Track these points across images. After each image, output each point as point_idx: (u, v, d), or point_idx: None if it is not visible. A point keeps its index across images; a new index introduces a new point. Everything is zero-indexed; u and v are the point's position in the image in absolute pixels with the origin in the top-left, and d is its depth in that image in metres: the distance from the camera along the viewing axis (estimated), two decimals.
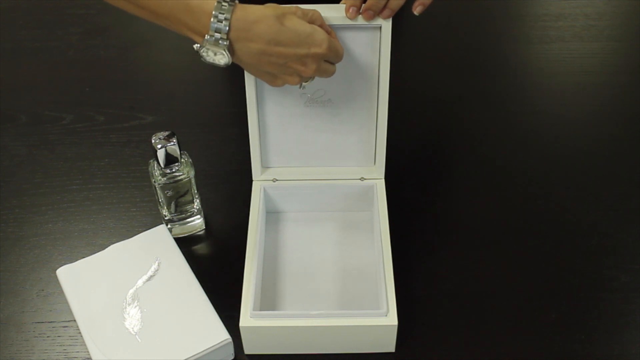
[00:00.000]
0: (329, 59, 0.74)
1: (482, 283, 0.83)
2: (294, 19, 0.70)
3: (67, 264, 0.81)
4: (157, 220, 0.89)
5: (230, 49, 0.69)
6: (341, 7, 0.76)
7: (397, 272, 0.79)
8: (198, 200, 0.88)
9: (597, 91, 1.10)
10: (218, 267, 0.85)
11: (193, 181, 0.85)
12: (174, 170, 0.82)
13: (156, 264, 0.81)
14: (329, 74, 0.75)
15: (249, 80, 0.81)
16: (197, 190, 0.87)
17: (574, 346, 0.77)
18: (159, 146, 0.80)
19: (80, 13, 1.27)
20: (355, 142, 0.87)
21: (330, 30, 0.75)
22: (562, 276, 0.84)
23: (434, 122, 1.06)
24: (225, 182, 0.95)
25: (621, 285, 0.83)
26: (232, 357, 0.76)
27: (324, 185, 0.88)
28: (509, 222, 0.90)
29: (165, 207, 0.86)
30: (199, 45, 0.69)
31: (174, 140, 0.80)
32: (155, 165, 0.82)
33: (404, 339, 0.76)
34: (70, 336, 0.79)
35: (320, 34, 0.71)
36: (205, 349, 0.72)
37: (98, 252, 0.82)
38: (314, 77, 0.75)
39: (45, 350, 0.78)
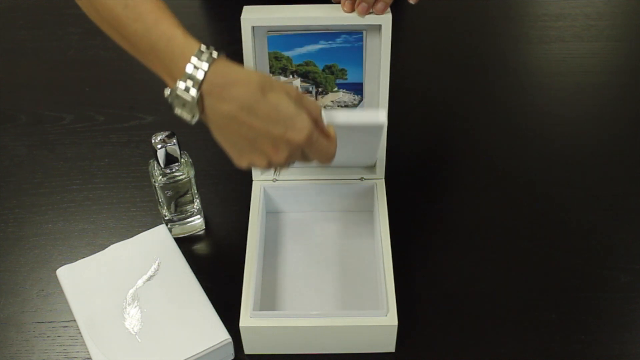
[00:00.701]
0: (309, 155, 0.65)
1: (482, 283, 0.83)
2: (281, 95, 0.62)
3: (67, 264, 0.81)
4: (157, 220, 0.89)
5: (200, 104, 0.62)
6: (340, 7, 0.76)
7: (397, 272, 0.79)
8: (198, 200, 0.88)
9: (597, 91, 1.10)
10: (218, 267, 0.85)
11: (193, 181, 0.85)
12: (174, 170, 0.82)
13: (156, 264, 0.81)
14: (312, 162, 0.66)
15: None
16: (197, 190, 0.87)
17: (574, 346, 0.77)
18: (159, 146, 0.80)
19: (80, 13, 1.25)
20: None
21: (330, 133, 0.66)
22: (562, 276, 0.84)
23: (434, 122, 1.06)
24: (225, 182, 0.95)
25: (621, 285, 0.83)
26: (232, 357, 0.76)
27: (324, 185, 0.88)
28: (508, 222, 0.90)
29: (165, 207, 0.86)
30: (168, 91, 0.63)
31: (174, 140, 0.80)
32: (155, 165, 0.82)
33: (404, 339, 0.76)
34: (70, 336, 0.79)
35: (304, 121, 0.62)
36: (205, 349, 0.72)
37: (98, 252, 0.83)
38: (289, 166, 0.66)
39: (45, 350, 0.78)
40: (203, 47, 0.62)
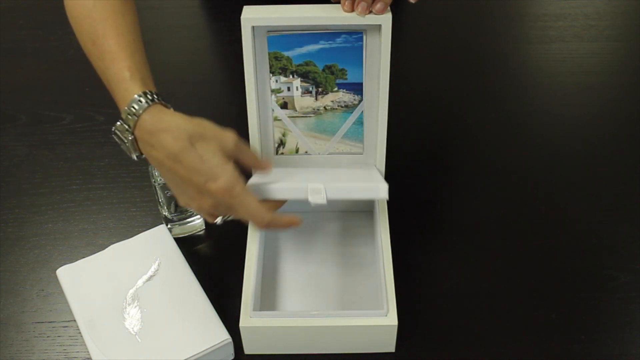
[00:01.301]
0: (231, 208, 0.67)
1: (482, 283, 0.83)
2: (209, 146, 0.64)
3: (67, 264, 0.81)
4: (157, 220, 0.89)
5: (136, 146, 0.67)
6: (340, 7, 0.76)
7: (397, 272, 0.79)
8: None
9: (597, 91, 1.10)
10: (218, 267, 0.85)
11: None
12: None
13: (156, 264, 0.81)
14: (243, 218, 0.68)
15: (249, 80, 0.81)
16: None
17: (574, 346, 0.77)
18: None
19: None
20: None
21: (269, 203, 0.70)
22: (562, 276, 0.84)
23: (434, 122, 1.06)
24: None
25: (621, 285, 0.83)
26: (232, 357, 0.76)
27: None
28: (509, 222, 0.90)
29: (165, 207, 0.86)
30: (116, 124, 0.68)
31: None
32: None
33: (404, 339, 0.76)
34: (70, 336, 0.79)
35: (225, 173, 0.64)
36: (205, 349, 0.72)
37: (98, 252, 0.83)
38: (227, 216, 0.69)
39: (45, 350, 0.78)
40: (141, 94, 0.66)
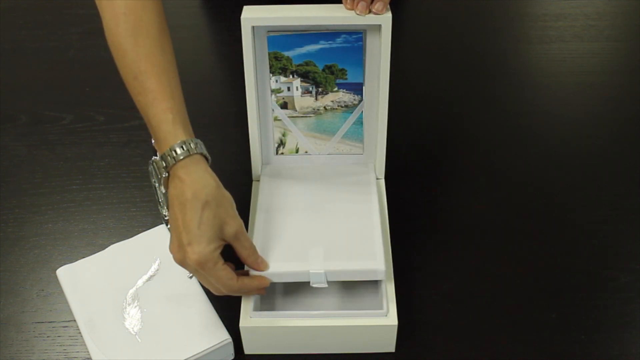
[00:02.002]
0: (201, 276, 0.70)
1: (482, 283, 0.83)
2: (213, 219, 0.68)
3: (67, 264, 0.81)
4: (157, 220, 0.89)
5: (166, 184, 0.71)
6: (341, 7, 0.76)
7: (397, 272, 0.79)
8: None
9: (597, 91, 1.10)
10: None
11: None
12: None
13: (156, 264, 0.81)
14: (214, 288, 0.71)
15: (249, 80, 0.81)
16: None
17: (574, 346, 0.77)
18: None
19: (80, 13, 1.27)
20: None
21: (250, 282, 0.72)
22: (562, 276, 0.84)
23: (434, 122, 1.06)
24: (225, 182, 0.95)
25: (621, 285, 0.83)
26: (232, 357, 0.76)
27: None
28: (508, 222, 0.90)
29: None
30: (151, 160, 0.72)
31: None
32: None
33: (404, 339, 0.76)
34: (70, 336, 0.79)
35: (204, 249, 0.67)
36: (205, 349, 0.72)
37: (98, 252, 0.83)
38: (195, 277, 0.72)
39: (45, 350, 0.78)
40: (183, 143, 0.69)
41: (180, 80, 1.13)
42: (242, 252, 0.72)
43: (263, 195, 0.84)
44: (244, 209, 0.86)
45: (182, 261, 0.69)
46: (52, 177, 0.97)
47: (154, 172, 0.72)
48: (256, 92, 0.82)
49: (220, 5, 1.26)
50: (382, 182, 0.89)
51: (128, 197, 0.94)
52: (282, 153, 0.88)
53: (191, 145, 0.70)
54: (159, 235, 0.84)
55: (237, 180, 0.93)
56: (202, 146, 0.71)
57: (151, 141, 0.72)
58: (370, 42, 0.80)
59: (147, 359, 0.72)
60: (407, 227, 0.89)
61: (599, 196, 0.93)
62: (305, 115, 0.85)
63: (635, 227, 0.89)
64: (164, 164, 0.70)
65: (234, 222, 0.70)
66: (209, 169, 0.71)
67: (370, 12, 0.76)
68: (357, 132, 0.87)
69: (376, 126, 0.85)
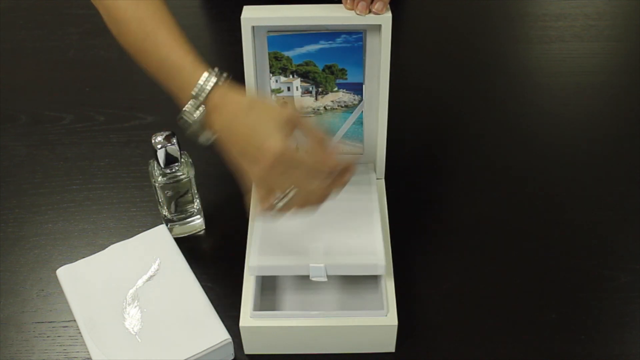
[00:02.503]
0: (291, 169, 0.66)
1: (482, 283, 0.83)
2: (262, 116, 0.67)
3: (67, 264, 0.81)
4: (157, 220, 0.89)
5: (206, 124, 0.70)
6: (341, 7, 0.76)
7: (397, 272, 0.79)
8: (198, 200, 0.88)
9: (597, 91, 1.10)
10: (218, 267, 0.85)
11: (193, 181, 0.85)
12: (174, 170, 0.82)
13: (156, 264, 0.81)
14: (310, 198, 0.68)
15: (249, 80, 0.81)
16: (197, 190, 0.87)
17: (574, 346, 0.77)
18: (159, 146, 0.80)
19: (80, 13, 1.27)
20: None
21: (338, 165, 0.68)
22: (562, 276, 0.84)
23: (434, 122, 1.06)
24: (225, 182, 0.95)
25: (621, 285, 0.83)
26: (232, 357, 0.76)
27: None
28: (508, 222, 0.90)
29: (165, 207, 0.86)
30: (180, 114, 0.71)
31: (174, 140, 0.80)
32: (155, 165, 0.82)
33: (404, 339, 0.76)
34: (70, 336, 0.79)
35: (276, 141, 0.64)
36: (205, 349, 0.72)
37: (98, 252, 0.82)
38: (289, 194, 0.68)
39: (45, 350, 0.78)
40: (210, 72, 0.69)
41: None
42: (308, 132, 0.68)
43: None
44: (244, 209, 0.86)
45: (265, 168, 0.65)
46: (52, 177, 0.97)
47: (187, 123, 0.71)
48: (256, 92, 0.82)
49: (220, 5, 1.26)
50: (382, 182, 0.89)
51: (128, 197, 0.94)
52: None
53: (219, 72, 0.70)
54: (159, 235, 0.84)
55: (237, 180, 0.93)
56: (227, 76, 0.71)
57: (177, 120, 0.71)
58: (370, 42, 0.80)
59: (147, 359, 0.72)
60: (407, 227, 0.89)
61: (599, 196, 0.93)
62: (305, 115, 0.85)
63: (635, 227, 0.89)
64: (196, 106, 0.69)
65: (281, 111, 0.69)
66: (237, 88, 0.71)
67: (370, 12, 0.76)
68: (357, 132, 0.86)
69: (376, 126, 0.85)
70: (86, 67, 1.16)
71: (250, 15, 0.77)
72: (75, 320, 0.77)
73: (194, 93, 0.69)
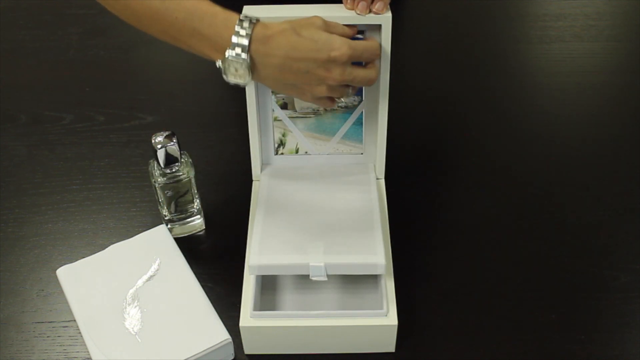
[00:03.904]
0: (359, 59, 0.73)
1: (482, 283, 0.83)
2: (311, 28, 0.71)
3: (67, 264, 0.81)
4: (157, 220, 0.89)
5: (252, 67, 0.70)
6: (341, 6, 0.76)
7: (397, 272, 0.79)
8: (198, 200, 0.88)
9: (597, 91, 1.10)
10: (218, 267, 0.85)
11: (193, 181, 0.85)
12: (174, 170, 0.82)
13: (156, 264, 0.81)
14: (364, 79, 0.74)
15: None
16: (197, 190, 0.87)
17: (574, 346, 0.77)
18: (159, 146, 0.80)
19: (80, 13, 1.27)
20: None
21: (353, 35, 0.74)
22: (562, 276, 0.84)
23: (434, 122, 1.06)
24: (225, 182, 0.95)
25: (621, 285, 0.83)
26: (232, 357, 0.76)
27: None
28: (508, 222, 0.90)
29: (165, 207, 0.86)
30: (220, 62, 0.71)
31: (174, 140, 0.80)
32: (155, 165, 0.82)
33: (404, 339, 0.76)
34: (70, 336, 0.79)
35: (337, 40, 0.70)
36: (205, 349, 0.72)
37: (98, 252, 0.82)
38: (350, 93, 0.74)
39: (45, 350, 0.78)
40: (242, 16, 0.70)
41: (181, 80, 1.13)
42: (338, 30, 0.73)
43: (263, 195, 0.84)
44: (244, 209, 0.86)
45: (338, 75, 0.70)
46: (52, 177, 0.97)
47: (229, 73, 0.71)
48: (256, 92, 0.82)
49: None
50: (382, 182, 0.89)
51: (128, 197, 0.94)
52: (282, 153, 0.88)
53: (247, 17, 0.71)
54: (159, 235, 0.84)
55: (237, 180, 0.93)
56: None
57: (216, 64, 0.71)
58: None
59: (147, 359, 0.72)
60: (407, 227, 0.89)
61: (599, 196, 0.93)
62: (305, 115, 0.85)
63: (635, 227, 0.89)
64: (240, 49, 0.69)
65: (313, 19, 0.72)
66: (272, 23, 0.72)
67: (370, 12, 0.76)
68: (357, 133, 0.86)
69: (376, 126, 0.85)
70: (86, 67, 1.16)
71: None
72: (75, 320, 0.77)
73: (235, 40, 0.69)
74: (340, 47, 0.70)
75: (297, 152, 0.88)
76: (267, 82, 0.74)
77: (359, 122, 0.86)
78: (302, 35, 0.70)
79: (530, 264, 0.85)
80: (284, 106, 0.85)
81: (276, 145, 0.88)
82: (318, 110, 0.85)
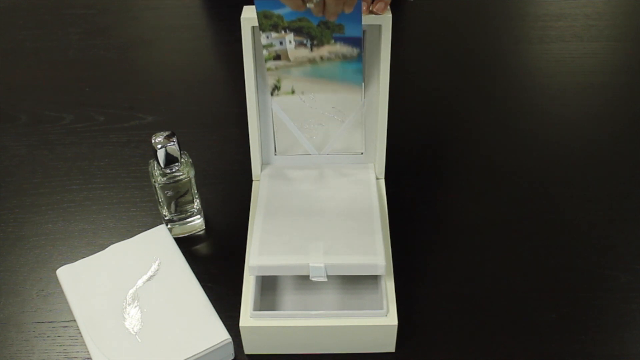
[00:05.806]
0: None
1: (482, 283, 0.83)
2: None
3: (67, 264, 0.81)
4: (157, 220, 0.89)
5: None
6: None
7: (397, 272, 0.79)
8: (198, 200, 0.88)
9: (597, 91, 1.10)
10: (218, 267, 0.85)
11: (193, 181, 0.85)
12: (174, 170, 0.82)
13: (156, 264, 0.81)
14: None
15: (249, 80, 0.81)
16: (197, 190, 0.87)
17: (574, 346, 0.77)
18: (159, 146, 0.80)
19: (80, 13, 1.27)
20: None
21: None
22: (562, 276, 0.84)
23: (434, 122, 1.06)
24: (225, 182, 0.95)
25: (621, 285, 0.83)
26: (232, 357, 0.76)
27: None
28: (508, 222, 0.90)
29: (165, 207, 0.86)
30: None
31: (174, 140, 0.80)
32: (155, 165, 0.82)
33: (404, 339, 0.77)
34: (70, 336, 0.79)
35: None
36: (205, 349, 0.72)
37: (98, 252, 0.82)
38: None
39: (45, 350, 0.78)
40: None
41: (181, 81, 1.13)
42: None
43: (263, 195, 0.84)
44: (244, 209, 0.86)
45: None
46: (52, 177, 0.97)
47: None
48: (256, 92, 0.82)
49: (220, 5, 1.26)
50: (382, 182, 0.89)
51: (128, 197, 0.94)
52: (277, 95, 0.83)
53: None
54: (159, 235, 0.84)
55: (237, 180, 0.93)
56: None
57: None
58: (370, 42, 0.80)
59: (147, 359, 0.72)
60: (407, 227, 0.89)
61: (599, 196, 0.93)
62: (300, 65, 0.80)
63: (635, 227, 0.89)
64: None
65: None
66: None
67: (370, 12, 0.75)
68: (356, 79, 0.81)
69: (376, 126, 0.85)
70: (86, 67, 1.16)
71: (250, 15, 0.77)
72: (75, 320, 0.77)
73: None
74: None
75: (292, 93, 0.84)
76: None
77: (358, 71, 0.80)
78: None
79: (531, 264, 0.85)
80: (277, 58, 0.81)
81: (271, 90, 0.83)
82: (314, 59, 0.80)
